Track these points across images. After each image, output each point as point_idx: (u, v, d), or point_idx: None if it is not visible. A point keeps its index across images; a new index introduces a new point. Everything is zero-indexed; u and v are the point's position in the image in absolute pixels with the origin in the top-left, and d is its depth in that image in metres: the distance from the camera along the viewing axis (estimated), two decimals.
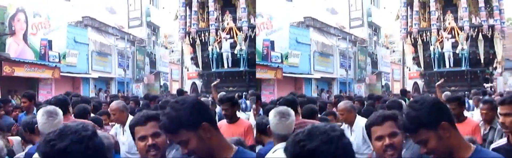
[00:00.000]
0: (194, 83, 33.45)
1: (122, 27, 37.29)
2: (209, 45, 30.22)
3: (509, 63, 39.52)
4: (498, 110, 5.08)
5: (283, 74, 29.44)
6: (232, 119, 8.26)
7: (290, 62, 30.43)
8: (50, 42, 30.35)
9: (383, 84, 37.05)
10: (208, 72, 30.98)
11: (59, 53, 30.91)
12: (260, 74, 28.92)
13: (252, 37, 29.57)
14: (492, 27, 30.76)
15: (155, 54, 38.21)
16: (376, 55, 36.90)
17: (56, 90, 30.68)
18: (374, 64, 36.81)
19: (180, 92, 18.32)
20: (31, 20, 29.62)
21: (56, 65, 30.56)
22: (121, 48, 35.99)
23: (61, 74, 31.00)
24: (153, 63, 38.10)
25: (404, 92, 20.08)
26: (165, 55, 38.63)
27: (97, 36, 34.90)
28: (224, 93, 16.41)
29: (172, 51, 39.27)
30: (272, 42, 29.22)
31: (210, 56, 30.35)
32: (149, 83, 37.24)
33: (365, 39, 35.97)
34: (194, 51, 31.55)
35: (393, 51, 37.68)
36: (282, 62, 29.54)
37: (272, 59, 29.04)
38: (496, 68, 32.43)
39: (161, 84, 38.24)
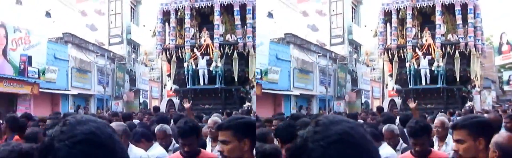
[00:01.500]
0: (170, 100, 32.95)
1: (102, 44, 37.30)
2: (185, 61, 29.89)
3: (487, 82, 39.85)
4: (453, 136, 4.58)
5: (263, 90, 29.33)
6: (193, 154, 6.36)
7: (270, 78, 30.40)
8: (29, 57, 30.22)
9: (363, 101, 37.04)
10: (183, 89, 30.52)
11: (38, 69, 30.78)
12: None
13: (229, 54, 29.47)
14: (465, 46, 30.52)
15: (135, 72, 38.18)
16: (356, 72, 36.95)
17: (35, 106, 30.55)
18: (354, 81, 36.85)
19: (156, 109, 18.13)
20: (11, 35, 29.54)
21: (35, 81, 30.38)
22: (101, 65, 35.92)
23: (40, 90, 30.78)
24: (133, 81, 38.04)
25: (380, 110, 20.01)
26: (145, 73, 38.63)
27: (77, 52, 34.82)
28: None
29: (152, 69, 39.32)
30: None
31: (186, 73, 29.90)
32: (128, 100, 37.14)
33: (345, 57, 36.06)
34: (171, 68, 31.25)
35: (373, 69, 37.78)
36: (261, 78, 29.46)
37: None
38: (475, 86, 32.28)
39: (141, 101, 38.15)
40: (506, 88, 45.89)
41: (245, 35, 29.63)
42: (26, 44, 30.38)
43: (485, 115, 18.41)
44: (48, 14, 34.54)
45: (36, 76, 30.49)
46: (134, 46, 38.57)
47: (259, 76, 29.34)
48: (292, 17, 34.76)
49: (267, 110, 29.26)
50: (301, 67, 33.33)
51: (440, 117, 9.76)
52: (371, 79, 37.77)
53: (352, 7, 37.44)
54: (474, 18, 30.65)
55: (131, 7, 38.37)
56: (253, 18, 29.67)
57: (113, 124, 7.25)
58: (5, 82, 28.69)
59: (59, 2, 35.55)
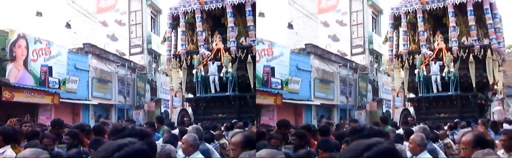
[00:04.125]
0: (183, 110, 31.95)
1: (123, 54, 37.35)
2: (194, 68, 28.56)
3: (510, 90, 39.50)
4: None
5: (283, 100, 29.25)
6: None
7: (290, 88, 30.33)
8: (50, 68, 30.36)
9: (384, 111, 36.88)
10: (195, 97, 29.39)
11: (59, 79, 30.87)
12: (260, 100, 27.94)
13: (242, 58, 28.06)
14: (484, 48, 28.29)
15: (156, 81, 38.16)
16: (377, 82, 36.77)
17: (55, 116, 30.58)
18: (375, 91, 36.68)
19: (160, 119, 17.47)
20: (32, 46, 29.64)
21: (55, 91, 30.48)
22: (122, 75, 35.96)
23: (61, 100, 30.91)
24: (154, 90, 38.03)
25: (385, 120, 18.50)
26: (166, 82, 38.57)
27: (98, 63, 34.92)
28: None
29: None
30: (272, 68, 28.93)
31: (195, 80, 28.62)
32: (149, 110, 37.13)
33: (366, 66, 35.91)
34: (182, 75, 30.02)
35: (394, 79, 37.56)
36: (282, 88, 29.31)
37: (272, 85, 28.73)
38: (495, 93, 31.16)
39: (162, 111, 38.13)
40: None
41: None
42: (46, 55, 30.48)
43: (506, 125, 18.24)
44: (68, 25, 34.69)
45: (57, 86, 30.58)
46: (154, 56, 38.62)
47: (279, 86, 29.08)
48: (312, 27, 34.72)
49: (287, 119, 29.12)
50: (322, 77, 33.22)
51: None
52: (392, 88, 37.56)
53: (373, 17, 37.39)
54: (493, 18, 28.45)
55: (151, 17, 38.44)
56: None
57: None
58: (26, 93, 28.86)
59: (79, 13, 35.70)
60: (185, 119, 22.11)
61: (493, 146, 5.13)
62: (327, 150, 8.32)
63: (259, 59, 28.57)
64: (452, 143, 13.99)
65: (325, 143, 8.75)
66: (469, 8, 28.25)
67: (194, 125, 11.95)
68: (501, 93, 32.96)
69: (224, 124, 20.31)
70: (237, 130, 15.38)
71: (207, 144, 11.96)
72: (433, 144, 11.96)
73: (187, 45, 29.24)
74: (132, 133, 4.75)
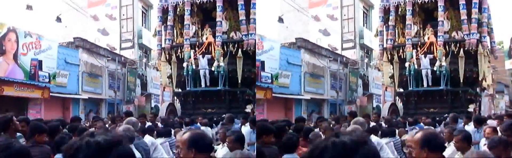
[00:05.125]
0: (171, 104, 31.32)
1: (113, 48, 37.29)
2: (185, 61, 27.91)
3: (500, 86, 39.65)
4: None
5: (273, 95, 29.20)
6: None
7: (280, 82, 30.29)
8: (40, 62, 30.28)
9: (374, 106, 36.86)
10: (184, 91, 28.66)
11: (49, 74, 30.79)
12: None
13: (233, 53, 27.55)
14: (471, 44, 27.95)
15: (146, 76, 38.11)
16: (368, 77, 36.76)
17: (45, 110, 30.63)
18: (365, 86, 36.68)
19: (128, 114, 17.06)
20: (22, 40, 29.54)
21: (45, 85, 30.43)
22: (112, 70, 35.90)
23: (51, 94, 30.83)
24: (144, 85, 37.98)
25: (353, 115, 17.12)
26: (156, 77, 38.51)
27: (88, 57, 34.84)
28: None
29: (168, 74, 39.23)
30: (262, 62, 28.76)
31: (185, 74, 27.90)
32: (140, 105, 37.08)
33: (356, 61, 35.91)
34: (171, 69, 29.25)
35: (383, 72, 37.51)
36: (272, 82, 29.22)
37: (262, 79, 28.58)
38: (484, 89, 30.91)
39: (152, 106, 38.08)
40: None
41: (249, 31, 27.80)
42: (37, 48, 30.40)
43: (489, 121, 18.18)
44: (58, 19, 34.62)
45: (47, 80, 30.50)
46: (145, 51, 38.57)
47: (269, 80, 28.95)
48: (303, 21, 34.71)
49: (278, 114, 29.15)
50: (312, 71, 33.20)
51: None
52: (383, 83, 37.51)
53: (364, 12, 37.37)
54: (481, 13, 28.23)
55: (142, 11, 38.41)
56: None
57: None
58: (16, 86, 28.80)
59: (70, 7, 35.62)
60: (149, 115, 20.74)
61: (442, 148, 4.92)
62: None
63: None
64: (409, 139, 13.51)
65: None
66: (462, 2, 27.94)
67: (132, 118, 11.38)
68: (487, 88, 32.77)
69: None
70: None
71: (159, 139, 12.28)
72: (380, 139, 11.67)
73: (176, 38, 28.77)
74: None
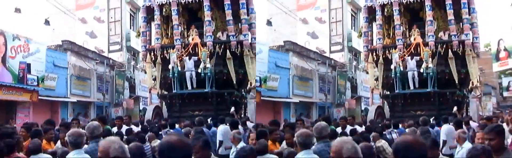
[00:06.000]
0: (157, 107, 30.14)
1: (102, 51, 37.33)
2: (170, 63, 26.58)
3: (487, 88, 39.86)
4: None
5: (262, 98, 29.20)
6: None
7: (269, 85, 30.32)
8: (29, 65, 30.14)
9: (363, 108, 36.93)
10: (170, 94, 27.51)
11: (37, 77, 30.70)
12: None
13: (220, 54, 26.54)
14: (462, 43, 27.16)
15: (134, 79, 38.13)
16: (356, 79, 36.88)
17: (34, 114, 30.54)
18: (354, 88, 36.81)
19: (102, 118, 16.62)
20: (10, 43, 29.44)
21: (34, 89, 30.29)
22: (101, 72, 35.93)
23: (40, 97, 30.73)
24: (132, 88, 38.01)
25: (327, 120, 16.40)
26: (144, 80, 38.48)
27: (77, 60, 34.86)
28: None
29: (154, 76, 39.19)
30: None
31: (171, 76, 26.62)
32: (128, 107, 37.09)
33: (345, 64, 36.02)
34: (157, 71, 27.97)
35: (369, 74, 37.48)
36: (260, 85, 29.16)
37: None
38: (472, 90, 30.49)
39: (141, 108, 38.09)
40: (505, 94, 45.93)
41: (240, 32, 27.04)
42: (25, 52, 30.31)
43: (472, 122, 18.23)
44: (47, 22, 34.59)
45: (35, 83, 30.39)
46: (133, 53, 38.59)
47: (258, 83, 28.71)
48: (291, 24, 34.79)
49: (266, 117, 29.12)
50: (301, 74, 33.27)
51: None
52: (373, 86, 37.47)
53: (352, 15, 37.43)
54: (469, 13, 27.50)
55: (130, 14, 38.44)
56: (251, 12, 27.35)
57: None
58: (4, 90, 28.65)
59: (58, 9, 35.60)
60: (124, 118, 20.00)
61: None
62: None
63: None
64: (385, 146, 13.01)
65: None
66: (448, 2, 27.17)
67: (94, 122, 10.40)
68: (477, 91, 32.57)
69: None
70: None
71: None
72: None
73: (161, 39, 27.69)
74: None
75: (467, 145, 10.24)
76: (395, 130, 17.09)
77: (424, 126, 15.22)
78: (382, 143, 13.08)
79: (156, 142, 13.55)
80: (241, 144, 10.11)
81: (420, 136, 7.96)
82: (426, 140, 6.97)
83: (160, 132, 16.66)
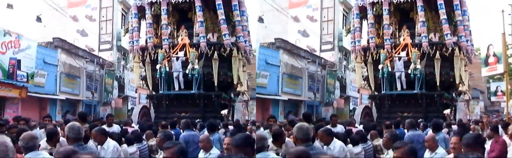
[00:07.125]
0: (144, 107, 29.97)
1: (92, 49, 37.34)
2: (159, 63, 26.25)
3: (475, 92, 40.06)
4: None
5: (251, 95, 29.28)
6: None
7: (258, 82, 30.36)
8: (19, 61, 30.19)
9: (351, 108, 36.95)
10: (157, 94, 27.27)
11: (27, 73, 30.72)
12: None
13: (209, 55, 26.28)
14: (456, 45, 26.87)
15: (123, 78, 38.11)
16: (345, 79, 36.92)
17: (22, 110, 30.54)
18: (343, 88, 36.82)
19: (82, 115, 16.36)
20: (1, 38, 29.54)
21: (23, 85, 30.31)
22: (90, 71, 35.97)
23: (29, 94, 30.74)
24: (121, 87, 37.99)
25: (307, 117, 15.86)
26: (134, 80, 38.47)
27: (67, 57, 34.92)
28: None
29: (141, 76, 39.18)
30: None
31: (158, 76, 26.32)
32: (116, 107, 37.02)
33: (334, 63, 36.07)
34: (145, 70, 27.81)
35: (363, 76, 37.47)
36: None
37: None
38: (460, 93, 30.37)
39: (129, 108, 38.02)
40: (493, 99, 46.35)
41: (235, 33, 26.74)
42: (15, 48, 30.36)
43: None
44: (38, 19, 34.67)
45: (25, 80, 30.39)
46: (123, 53, 38.55)
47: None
48: (283, 22, 34.88)
49: (257, 114, 29.30)
50: (290, 72, 33.36)
51: None
52: (361, 86, 37.54)
53: (343, 14, 37.40)
54: (462, 15, 27.21)
55: (122, 14, 38.41)
56: (242, 15, 27.15)
57: None
58: None
59: (50, 6, 35.66)
60: (109, 117, 19.51)
61: None
62: None
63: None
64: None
65: None
66: (440, 2, 26.85)
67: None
68: (466, 94, 32.63)
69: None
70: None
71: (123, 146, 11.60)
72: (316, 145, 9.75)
73: (154, 39, 27.33)
74: None
75: (441, 151, 9.45)
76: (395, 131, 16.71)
77: (411, 129, 14.26)
78: (379, 142, 12.74)
79: (153, 141, 13.40)
80: (214, 150, 9.41)
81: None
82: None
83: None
